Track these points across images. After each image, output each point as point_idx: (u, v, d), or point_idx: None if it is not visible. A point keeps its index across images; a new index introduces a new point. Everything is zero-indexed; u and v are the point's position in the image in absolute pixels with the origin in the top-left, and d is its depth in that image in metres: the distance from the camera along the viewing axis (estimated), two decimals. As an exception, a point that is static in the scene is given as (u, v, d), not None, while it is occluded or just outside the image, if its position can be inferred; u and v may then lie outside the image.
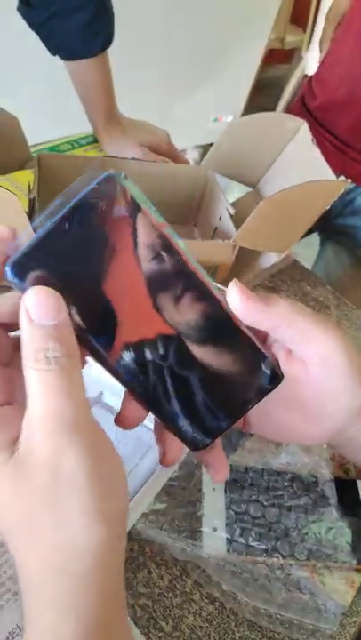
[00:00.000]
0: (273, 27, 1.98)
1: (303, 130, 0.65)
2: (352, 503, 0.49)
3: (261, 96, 2.32)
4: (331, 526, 0.46)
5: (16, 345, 0.22)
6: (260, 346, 0.26)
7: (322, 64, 0.85)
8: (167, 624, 0.43)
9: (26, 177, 0.67)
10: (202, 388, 0.25)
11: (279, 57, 2.33)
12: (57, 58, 0.72)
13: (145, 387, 0.25)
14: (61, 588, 0.21)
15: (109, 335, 0.23)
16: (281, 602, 0.43)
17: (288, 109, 0.94)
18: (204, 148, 0.95)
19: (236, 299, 0.25)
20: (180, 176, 0.70)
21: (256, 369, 0.26)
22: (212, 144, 0.70)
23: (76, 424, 0.20)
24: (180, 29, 1.71)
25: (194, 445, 0.27)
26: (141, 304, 0.23)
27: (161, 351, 0.24)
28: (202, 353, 0.25)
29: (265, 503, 0.47)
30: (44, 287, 0.21)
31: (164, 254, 0.23)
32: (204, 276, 0.24)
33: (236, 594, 0.43)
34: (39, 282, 0.21)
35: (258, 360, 0.26)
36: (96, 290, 0.22)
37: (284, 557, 0.44)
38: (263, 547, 0.44)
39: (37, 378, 0.20)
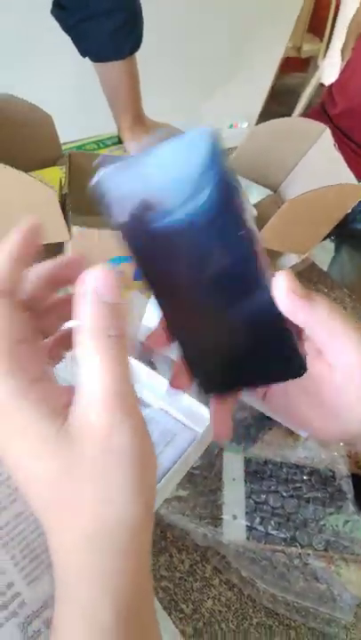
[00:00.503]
0: (290, 35, 2.01)
1: (326, 135, 0.67)
2: (368, 498, 0.50)
3: (277, 104, 2.34)
4: (348, 519, 0.47)
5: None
6: (295, 335, 0.27)
7: (343, 72, 0.86)
8: (187, 607, 0.44)
9: (54, 174, 0.69)
10: (234, 344, 0.27)
11: (295, 65, 2.35)
12: (86, 59, 0.74)
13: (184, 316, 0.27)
14: (98, 565, 0.21)
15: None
16: (298, 590, 0.44)
17: (307, 115, 0.96)
18: None
19: (281, 289, 0.25)
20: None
21: (284, 354, 0.27)
22: (227, 149, 0.72)
23: (130, 403, 0.21)
24: (198, 35, 1.73)
25: (205, 389, 0.28)
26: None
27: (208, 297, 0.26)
28: (242, 319, 0.26)
29: (284, 494, 0.48)
30: (110, 269, 0.22)
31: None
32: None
33: (255, 581, 0.45)
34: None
35: (289, 348, 0.27)
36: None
37: (302, 547, 0.45)
38: (282, 536, 0.45)
39: (100, 356, 0.21)
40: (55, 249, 0.59)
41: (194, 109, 1.96)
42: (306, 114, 0.99)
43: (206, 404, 0.48)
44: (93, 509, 0.21)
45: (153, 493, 0.23)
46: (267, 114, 2.34)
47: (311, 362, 0.28)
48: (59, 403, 0.22)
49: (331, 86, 0.89)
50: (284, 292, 0.25)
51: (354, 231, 0.95)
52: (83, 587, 0.22)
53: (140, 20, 0.73)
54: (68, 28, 0.72)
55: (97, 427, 0.21)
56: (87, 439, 0.21)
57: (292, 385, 0.28)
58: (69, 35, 0.73)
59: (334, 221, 0.62)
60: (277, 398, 0.31)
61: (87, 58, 0.75)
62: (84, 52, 0.74)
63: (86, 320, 0.21)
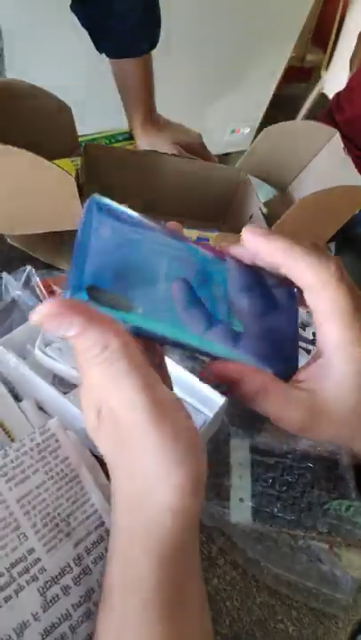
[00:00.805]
0: (294, 45, 2.04)
1: (335, 139, 0.69)
2: (368, 487, 0.52)
3: (279, 112, 2.37)
4: (350, 504, 0.49)
5: None
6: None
7: (352, 80, 0.89)
8: (194, 584, 0.45)
9: (66, 166, 0.70)
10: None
11: (298, 75, 2.39)
12: (101, 55, 0.76)
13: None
14: (142, 523, 0.24)
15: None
16: (301, 570, 0.46)
17: (315, 120, 0.98)
18: (220, 158, 0.99)
19: (248, 237, 0.27)
20: (215, 175, 0.73)
21: (285, 356, 0.29)
22: (228, 154, 0.74)
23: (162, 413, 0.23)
24: (204, 41, 1.76)
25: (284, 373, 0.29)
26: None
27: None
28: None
29: (289, 480, 0.49)
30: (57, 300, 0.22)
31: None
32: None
33: (260, 561, 0.46)
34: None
35: (290, 350, 0.29)
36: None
37: (306, 529, 0.47)
38: (288, 518, 0.47)
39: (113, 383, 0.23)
40: (66, 237, 0.60)
41: (197, 113, 1.98)
42: (314, 119, 1.01)
43: (217, 388, 0.50)
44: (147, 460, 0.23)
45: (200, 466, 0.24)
46: (268, 121, 2.36)
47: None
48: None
49: (339, 93, 0.92)
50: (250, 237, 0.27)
51: (355, 236, 0.97)
52: (122, 542, 0.26)
53: (159, 19, 0.75)
54: (87, 23, 0.74)
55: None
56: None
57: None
58: (88, 30, 0.74)
59: (341, 222, 0.64)
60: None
61: (103, 54, 0.77)
62: (101, 49, 0.76)
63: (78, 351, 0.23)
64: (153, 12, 0.74)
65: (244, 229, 0.27)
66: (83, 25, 0.74)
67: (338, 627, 0.46)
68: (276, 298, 0.29)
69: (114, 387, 0.22)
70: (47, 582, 0.35)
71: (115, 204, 0.27)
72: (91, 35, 0.75)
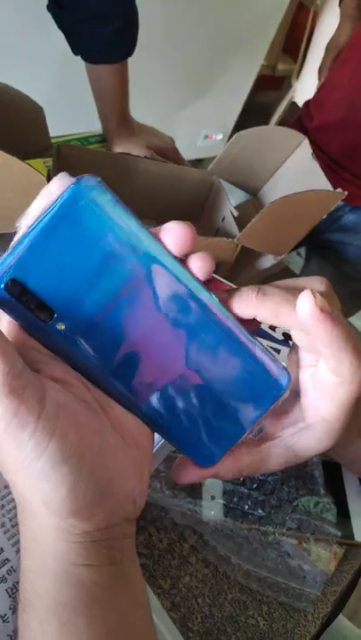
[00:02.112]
0: (266, 54, 2.08)
1: (304, 145, 0.71)
2: (337, 484, 0.53)
3: (250, 119, 2.41)
4: (319, 501, 0.50)
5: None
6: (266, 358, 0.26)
7: (321, 89, 0.91)
8: (165, 582, 0.46)
9: (38, 166, 0.70)
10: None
11: (269, 83, 2.43)
12: (75, 57, 0.76)
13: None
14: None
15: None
16: (271, 566, 0.47)
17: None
18: (193, 164, 1.00)
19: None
20: (188, 178, 0.74)
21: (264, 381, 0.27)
22: (201, 159, 0.75)
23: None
24: (178, 47, 1.78)
25: (202, 462, 0.28)
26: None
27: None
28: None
29: (260, 477, 0.50)
30: None
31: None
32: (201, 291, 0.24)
33: (231, 557, 0.47)
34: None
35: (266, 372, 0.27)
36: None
37: (276, 526, 0.48)
38: (258, 514, 0.48)
39: None
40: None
41: (170, 118, 1.99)
42: (285, 126, 1.03)
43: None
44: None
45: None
46: (241, 128, 2.39)
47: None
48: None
49: (308, 102, 0.94)
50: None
51: (324, 242, 1.00)
52: (22, 554, 0.24)
53: (137, 25, 0.75)
54: (63, 26, 0.73)
55: None
56: None
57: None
58: (64, 33, 0.74)
59: (311, 225, 0.66)
60: None
61: (78, 56, 0.77)
62: (77, 51, 0.75)
63: None
64: (131, 19, 0.74)
65: (232, 301, 0.26)
66: (59, 27, 0.73)
67: (307, 620, 0.47)
68: (254, 375, 0.26)
69: None
70: (16, 584, 0.35)
71: (117, 201, 0.23)
72: (67, 37, 0.74)
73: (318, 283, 0.29)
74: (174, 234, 0.23)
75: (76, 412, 0.22)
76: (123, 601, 0.24)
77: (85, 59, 0.75)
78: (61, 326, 0.23)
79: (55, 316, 0.23)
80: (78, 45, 0.73)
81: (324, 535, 0.49)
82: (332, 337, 0.24)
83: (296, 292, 0.25)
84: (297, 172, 0.72)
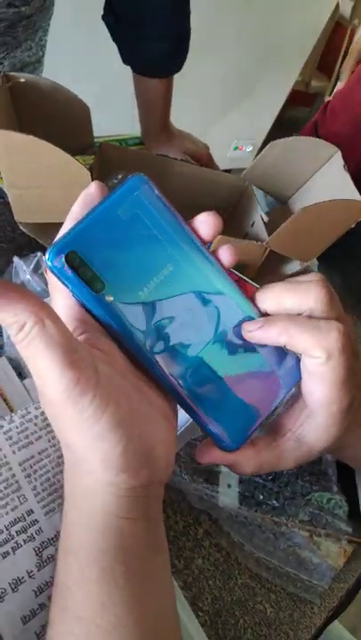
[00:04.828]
0: (301, 70, 2.11)
1: (336, 157, 0.73)
2: (348, 483, 0.55)
3: (280, 133, 2.44)
4: (331, 497, 0.51)
5: None
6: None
7: (338, 95, 0.93)
8: (179, 562, 0.47)
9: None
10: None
11: (302, 99, 2.46)
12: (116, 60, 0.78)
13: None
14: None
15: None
16: (282, 556, 0.48)
17: (300, 133, 1.02)
18: None
19: (248, 335, 0.29)
20: (220, 183, 0.77)
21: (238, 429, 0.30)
22: (229, 170, 0.77)
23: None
24: (216, 59, 1.82)
25: (225, 446, 0.30)
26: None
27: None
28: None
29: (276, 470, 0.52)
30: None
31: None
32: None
33: (243, 544, 0.48)
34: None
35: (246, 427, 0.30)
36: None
37: (289, 517, 0.49)
38: (272, 505, 0.49)
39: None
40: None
41: (202, 128, 2.03)
42: (299, 132, 1.05)
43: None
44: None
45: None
46: (271, 141, 2.43)
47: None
48: None
49: (325, 106, 0.96)
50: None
51: (334, 255, 1.01)
52: (67, 507, 0.27)
53: (188, 43, 0.77)
54: (118, 39, 0.76)
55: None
56: None
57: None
58: (117, 44, 0.77)
59: (338, 234, 0.68)
60: None
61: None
62: (127, 62, 0.78)
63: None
64: (184, 37, 0.76)
65: (242, 329, 0.29)
66: (113, 38, 0.76)
67: (313, 612, 0.48)
68: (272, 363, 0.30)
69: (33, 366, 0.23)
70: (43, 543, 0.37)
71: (161, 196, 0.27)
72: (119, 48, 0.77)
73: (313, 292, 0.29)
74: (207, 223, 0.28)
75: (122, 384, 0.25)
76: (155, 557, 0.27)
77: (135, 70, 0.78)
78: (110, 298, 0.26)
79: (105, 288, 0.26)
80: (131, 58, 0.76)
81: (335, 530, 0.50)
82: (287, 337, 0.28)
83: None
84: (327, 182, 0.74)
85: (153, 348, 0.27)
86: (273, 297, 0.29)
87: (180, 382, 0.28)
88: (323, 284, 0.29)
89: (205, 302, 0.28)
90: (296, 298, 0.29)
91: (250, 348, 0.29)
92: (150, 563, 0.27)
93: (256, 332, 0.28)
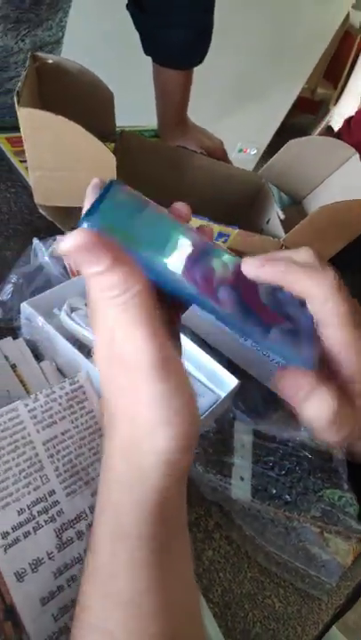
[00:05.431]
0: (307, 77, 2.13)
1: (354, 159, 0.73)
2: (359, 483, 0.55)
3: (285, 139, 2.45)
4: (342, 495, 0.51)
5: None
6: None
7: None
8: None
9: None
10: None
11: (307, 106, 2.48)
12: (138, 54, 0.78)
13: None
14: (130, 475, 0.25)
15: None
16: (292, 551, 0.48)
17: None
18: None
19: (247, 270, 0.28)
20: (237, 178, 0.77)
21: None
22: None
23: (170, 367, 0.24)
24: (225, 61, 1.82)
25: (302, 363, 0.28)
26: None
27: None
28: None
29: (288, 465, 0.52)
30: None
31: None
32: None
33: (254, 538, 0.48)
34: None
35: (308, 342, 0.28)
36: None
37: (301, 512, 0.49)
38: (285, 499, 0.49)
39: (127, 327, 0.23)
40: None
41: (209, 128, 2.04)
42: None
43: (228, 368, 0.52)
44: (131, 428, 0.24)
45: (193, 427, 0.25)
46: (275, 146, 2.45)
47: None
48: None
49: (350, 118, 0.97)
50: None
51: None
52: (115, 490, 0.25)
53: (210, 36, 0.77)
54: (141, 28, 0.76)
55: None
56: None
57: None
58: (140, 34, 0.76)
59: (355, 234, 0.68)
60: None
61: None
62: (150, 53, 0.78)
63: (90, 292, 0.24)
64: (207, 29, 0.76)
65: (242, 264, 0.28)
66: (136, 28, 0.76)
67: (321, 608, 0.48)
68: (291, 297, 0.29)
69: (125, 332, 0.23)
70: (64, 525, 0.37)
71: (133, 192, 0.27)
72: (142, 38, 0.77)
73: (303, 252, 0.29)
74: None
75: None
76: (187, 539, 0.27)
77: (156, 60, 0.77)
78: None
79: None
80: (153, 48, 0.76)
81: (346, 528, 0.50)
82: (274, 272, 0.27)
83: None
84: (344, 183, 0.75)
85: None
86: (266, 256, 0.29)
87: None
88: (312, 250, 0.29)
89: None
90: (288, 253, 0.29)
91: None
92: (186, 544, 0.27)
93: (259, 270, 0.28)
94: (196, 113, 1.76)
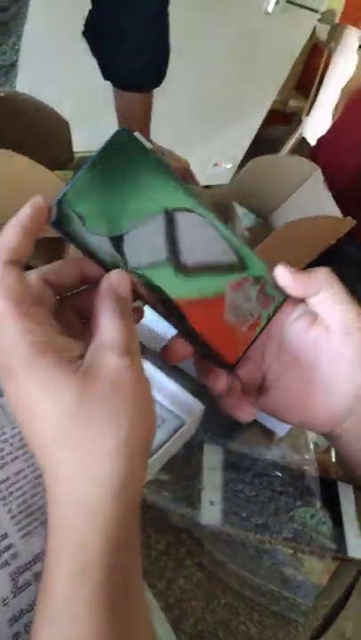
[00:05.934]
0: (279, 91, 2.16)
1: (317, 174, 0.74)
2: (332, 500, 0.55)
3: (259, 152, 2.48)
4: (314, 514, 0.51)
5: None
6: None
7: (334, 127, 0.96)
8: (161, 583, 0.46)
9: (58, 177, 0.73)
10: None
11: (280, 119, 2.51)
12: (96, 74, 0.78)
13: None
14: (94, 501, 0.23)
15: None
16: (265, 574, 0.47)
17: None
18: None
19: (286, 276, 0.32)
20: (203, 198, 0.77)
21: None
22: (209, 186, 0.79)
23: (137, 356, 0.25)
24: (195, 76, 1.84)
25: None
26: None
27: None
28: None
29: (259, 485, 0.51)
30: (123, 273, 0.27)
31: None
32: None
33: (226, 562, 0.47)
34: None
35: None
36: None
37: (273, 534, 0.49)
38: (256, 522, 0.49)
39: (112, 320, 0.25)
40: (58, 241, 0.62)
41: (183, 144, 2.05)
42: None
43: (192, 392, 0.52)
44: (103, 441, 0.23)
45: (151, 438, 0.25)
46: (250, 159, 2.47)
47: (307, 334, 0.32)
48: (74, 354, 0.25)
49: (322, 137, 0.99)
50: (288, 276, 0.32)
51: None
52: (77, 519, 0.24)
53: (167, 58, 0.78)
54: (98, 54, 0.76)
55: (110, 365, 0.24)
56: (100, 373, 0.24)
57: (286, 368, 0.33)
58: (97, 59, 0.77)
59: (319, 250, 0.68)
60: (273, 385, 0.34)
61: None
62: (108, 77, 0.78)
63: (105, 298, 0.26)
64: (165, 52, 0.77)
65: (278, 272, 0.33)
66: (93, 54, 0.77)
67: (298, 631, 0.48)
68: None
69: None
70: (19, 568, 0.36)
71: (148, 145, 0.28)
72: (100, 64, 0.77)
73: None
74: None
75: None
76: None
77: (115, 84, 0.78)
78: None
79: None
80: (110, 72, 0.76)
81: (319, 547, 0.50)
82: (316, 290, 0.31)
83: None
84: (309, 199, 0.75)
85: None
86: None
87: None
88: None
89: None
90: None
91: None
92: (140, 579, 0.27)
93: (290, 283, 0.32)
94: (169, 129, 1.78)
